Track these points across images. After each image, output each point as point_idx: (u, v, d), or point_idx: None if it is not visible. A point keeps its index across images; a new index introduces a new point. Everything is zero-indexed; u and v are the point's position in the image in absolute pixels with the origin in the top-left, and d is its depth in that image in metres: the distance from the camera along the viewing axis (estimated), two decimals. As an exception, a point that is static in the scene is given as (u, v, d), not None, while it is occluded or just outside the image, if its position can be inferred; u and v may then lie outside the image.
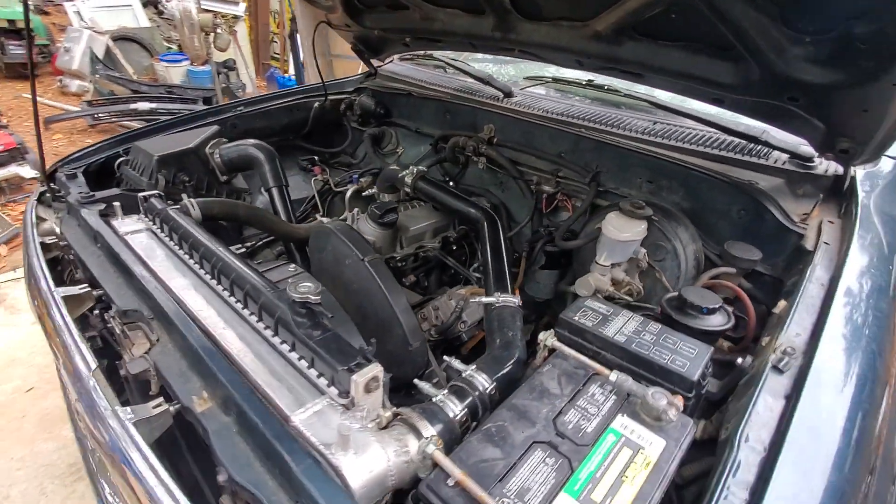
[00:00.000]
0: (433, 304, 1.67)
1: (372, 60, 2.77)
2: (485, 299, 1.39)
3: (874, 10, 0.94)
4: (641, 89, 1.98)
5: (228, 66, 7.94)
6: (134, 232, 1.57)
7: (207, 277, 1.32)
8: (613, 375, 0.97)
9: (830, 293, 1.13)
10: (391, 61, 2.94)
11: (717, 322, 1.27)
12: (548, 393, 0.97)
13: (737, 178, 1.58)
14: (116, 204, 1.61)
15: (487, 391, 1.10)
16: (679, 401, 0.91)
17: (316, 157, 2.68)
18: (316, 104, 2.66)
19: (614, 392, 0.97)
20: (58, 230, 1.66)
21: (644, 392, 0.92)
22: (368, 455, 0.88)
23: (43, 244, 1.55)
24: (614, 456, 0.84)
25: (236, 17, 8.90)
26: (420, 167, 1.87)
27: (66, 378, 1.64)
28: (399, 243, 1.89)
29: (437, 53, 2.65)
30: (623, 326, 1.22)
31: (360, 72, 3.00)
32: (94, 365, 1.06)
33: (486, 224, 1.62)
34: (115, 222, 1.58)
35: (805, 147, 1.62)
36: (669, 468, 0.83)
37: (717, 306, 1.26)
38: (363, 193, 2.41)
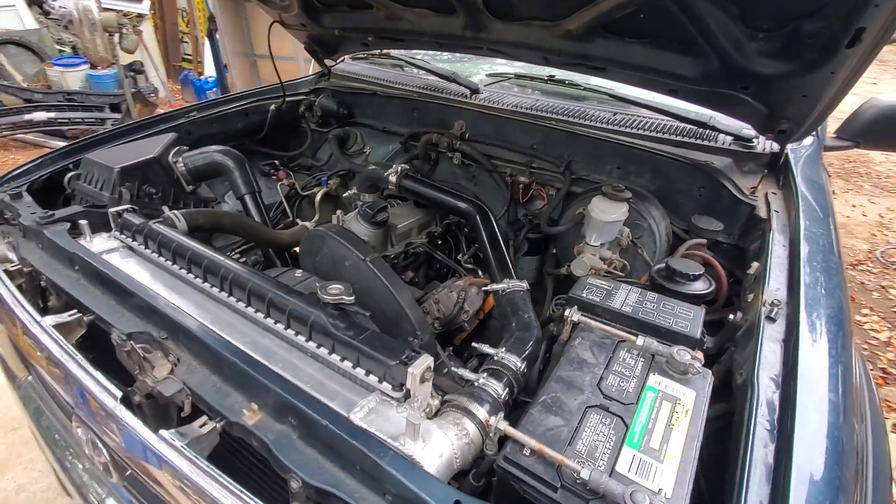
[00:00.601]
0: (434, 298, 1.71)
1: (325, 60, 2.72)
2: (495, 286, 1.45)
3: (820, 10, 1.13)
4: (599, 82, 2.14)
5: (136, 68, 7.32)
6: (109, 251, 1.46)
7: (215, 290, 1.27)
8: (640, 340, 1.08)
9: (794, 252, 1.32)
10: (342, 60, 2.90)
11: (700, 287, 1.43)
12: (585, 363, 1.06)
13: (696, 160, 1.77)
14: (84, 222, 1.48)
15: (520, 370, 1.17)
16: (700, 355, 1.03)
17: (276, 162, 2.59)
18: (272, 107, 2.57)
19: (641, 355, 1.08)
20: (12, 256, 1.50)
21: (669, 351, 1.04)
22: (434, 442, 0.92)
23: (7, 272, 1.39)
24: (658, 409, 0.95)
25: (141, 16, 8.20)
26: (403, 165, 1.89)
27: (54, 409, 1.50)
28: (389, 241, 1.90)
29: (395, 52, 2.66)
30: (626, 298, 1.34)
31: (311, 72, 2.93)
32: (119, 394, 1.00)
33: (478, 216, 1.68)
34: (83, 241, 1.46)
35: (746, 130, 1.86)
36: (703, 413, 0.95)
37: (700, 273, 1.43)
38: (332, 195, 2.38)
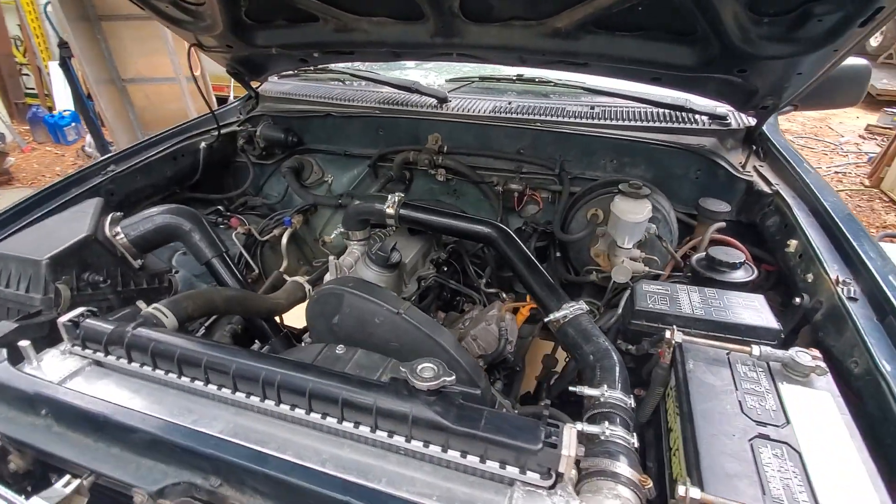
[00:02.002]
0: (471, 335, 1.55)
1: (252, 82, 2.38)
2: (556, 315, 1.34)
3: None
4: (571, 77, 2.09)
5: (-33, 114, 6.02)
6: (73, 375, 1.11)
7: (255, 400, 1.00)
8: (756, 349, 1.03)
9: (824, 223, 1.38)
10: (263, 81, 2.56)
11: (743, 275, 1.45)
12: (714, 389, 0.99)
13: (689, 144, 1.80)
14: (26, 344, 1.10)
15: (630, 406, 1.08)
16: (816, 352, 1.01)
17: (220, 208, 2.22)
18: (202, 144, 2.19)
19: (758, 364, 1.04)
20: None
21: (787, 355, 1.01)
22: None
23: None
24: (811, 422, 0.91)
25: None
26: (398, 194, 1.68)
27: None
28: (403, 281, 1.69)
29: (336, 66, 2.39)
30: (689, 300, 1.31)
31: (234, 96, 2.55)
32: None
33: (500, 238, 1.55)
34: (30, 369, 1.09)
35: (720, 108, 1.93)
36: (848, 412, 0.93)
37: (743, 261, 1.44)
38: (298, 234, 2.10)
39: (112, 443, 0.95)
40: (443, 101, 2.08)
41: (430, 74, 2.41)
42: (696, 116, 1.93)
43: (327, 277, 1.70)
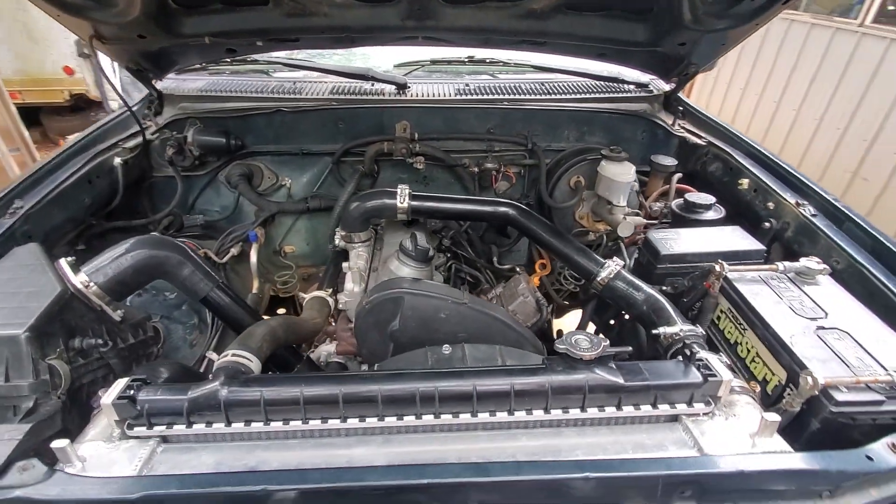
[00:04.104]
0: (510, 310, 1.60)
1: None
2: (601, 275, 1.45)
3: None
4: (516, 55, 2.20)
5: None
6: (149, 461, 0.89)
7: (410, 420, 0.93)
8: (781, 266, 1.30)
9: (763, 163, 1.75)
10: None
11: (714, 214, 1.76)
12: (767, 302, 1.23)
13: (635, 111, 2.07)
14: (63, 444, 0.83)
15: (702, 335, 1.26)
16: (818, 259, 1.32)
17: (156, 234, 1.84)
18: (117, 160, 1.78)
19: (783, 277, 1.31)
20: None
21: (801, 265, 1.30)
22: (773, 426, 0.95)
23: None
24: (840, 309, 1.20)
25: None
26: (403, 186, 1.60)
27: None
28: (431, 272, 1.63)
29: (260, 56, 2.11)
30: (691, 238, 1.56)
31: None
32: None
33: (519, 214, 1.60)
34: (86, 474, 0.85)
35: (641, 77, 2.24)
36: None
37: (713, 202, 1.74)
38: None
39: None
40: (402, 87, 2.02)
41: (369, 60, 2.29)
42: (626, 86, 2.21)
43: (349, 287, 1.57)
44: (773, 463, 0.83)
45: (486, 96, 2.03)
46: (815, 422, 1.01)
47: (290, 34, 1.76)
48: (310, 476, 0.80)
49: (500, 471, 0.81)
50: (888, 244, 1.32)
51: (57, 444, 0.83)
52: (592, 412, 0.95)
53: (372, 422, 0.93)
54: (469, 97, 2.01)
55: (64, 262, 1.20)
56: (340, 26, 1.72)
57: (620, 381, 0.95)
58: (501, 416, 0.95)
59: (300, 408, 0.92)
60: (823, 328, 1.14)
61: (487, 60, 2.23)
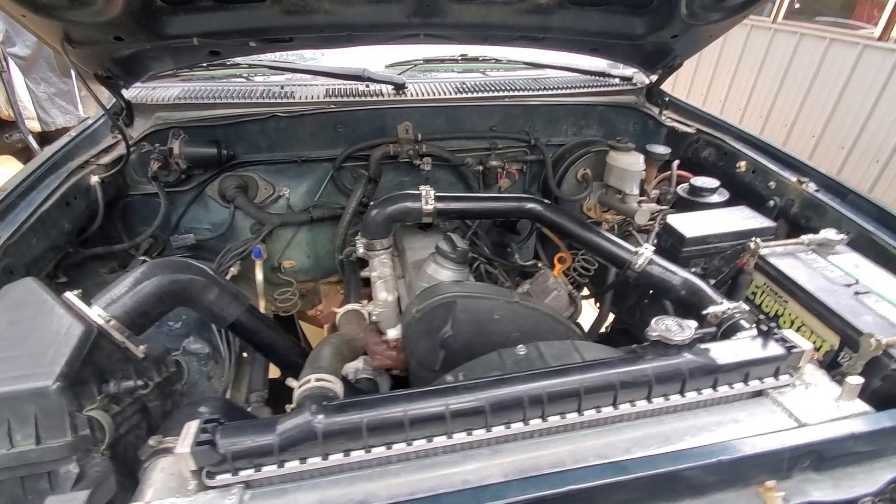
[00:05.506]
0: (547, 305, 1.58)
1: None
2: (640, 261, 1.46)
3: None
4: (505, 52, 2.21)
5: None
6: None
7: (518, 426, 0.89)
8: (805, 238, 1.38)
9: (754, 146, 1.86)
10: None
11: (718, 197, 1.84)
12: (803, 274, 1.30)
13: (627, 102, 2.14)
14: None
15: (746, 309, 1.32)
16: (836, 230, 1.41)
17: (146, 259, 1.65)
18: (94, 179, 1.58)
19: (808, 249, 1.39)
20: None
21: (822, 236, 1.39)
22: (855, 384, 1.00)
23: None
24: (864, 274, 1.29)
25: None
26: (426, 188, 1.53)
27: None
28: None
29: (242, 59, 1.95)
30: (711, 220, 1.63)
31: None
32: None
33: (545, 207, 1.59)
34: None
35: (626, 71, 2.32)
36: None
37: (717, 185, 1.83)
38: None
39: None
40: (400, 87, 1.95)
41: (361, 60, 2.19)
42: (613, 80, 2.28)
43: (381, 297, 1.48)
44: (874, 423, 0.87)
45: (484, 94, 2.01)
46: (875, 381, 1.08)
47: (287, 33, 1.65)
48: (447, 502, 0.73)
49: (639, 466, 0.78)
50: (892, 212, 1.44)
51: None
52: (691, 396, 0.96)
53: (480, 434, 0.87)
54: (469, 95, 1.98)
55: (73, 296, 1.03)
56: (341, 24, 1.63)
57: (716, 361, 0.95)
58: (607, 410, 0.93)
59: (404, 429, 0.84)
60: (859, 293, 1.23)
61: (480, 58, 2.22)
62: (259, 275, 1.74)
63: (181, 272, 1.17)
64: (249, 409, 1.39)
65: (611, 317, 2.02)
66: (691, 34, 1.87)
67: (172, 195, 1.83)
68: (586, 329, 1.92)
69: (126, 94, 1.81)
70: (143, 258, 1.67)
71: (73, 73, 1.86)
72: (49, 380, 0.83)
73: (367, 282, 1.71)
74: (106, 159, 1.66)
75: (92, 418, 0.86)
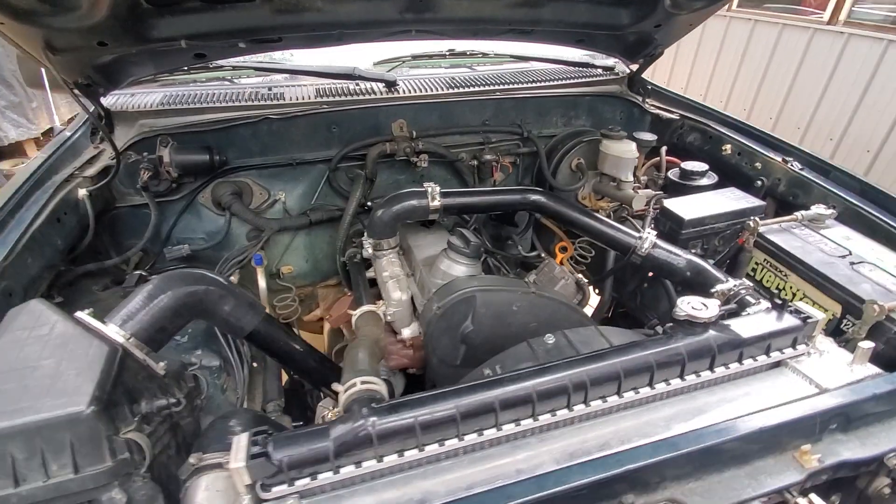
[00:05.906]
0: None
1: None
2: (645, 245, 1.50)
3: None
4: (492, 46, 2.21)
5: None
6: None
7: (563, 413, 0.90)
8: (798, 214, 1.46)
9: (738, 129, 1.94)
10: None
11: (707, 181, 1.91)
12: (800, 248, 1.37)
13: (613, 92, 2.18)
14: None
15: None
16: (825, 205, 1.49)
17: (144, 273, 1.59)
18: (82, 192, 1.50)
19: (802, 225, 1.47)
20: None
21: (813, 212, 1.46)
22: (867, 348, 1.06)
23: None
24: (856, 245, 1.37)
25: None
26: (432, 185, 1.53)
27: None
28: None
29: (225, 61, 1.89)
30: (707, 202, 1.69)
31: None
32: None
33: (548, 198, 1.60)
34: None
35: (608, 61, 2.37)
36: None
37: (706, 169, 1.89)
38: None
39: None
40: (392, 84, 1.93)
41: (350, 59, 2.15)
42: (596, 70, 2.33)
43: (395, 296, 1.47)
44: (893, 383, 0.93)
45: (475, 88, 2.01)
46: (879, 344, 1.15)
47: (277, 33, 1.60)
48: (513, 492, 0.74)
49: (688, 442, 0.82)
50: (874, 185, 1.53)
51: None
52: (720, 371, 1.00)
53: (527, 423, 0.89)
54: (460, 90, 1.98)
55: (86, 316, 0.99)
56: (333, 22, 1.60)
57: (741, 335, 1.00)
58: (644, 391, 0.95)
59: (456, 424, 0.84)
60: (854, 263, 1.30)
61: (468, 53, 2.22)
62: (262, 282, 1.69)
63: (195, 284, 1.13)
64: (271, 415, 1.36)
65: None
66: (672, 23, 1.93)
67: (162, 205, 1.76)
68: (590, 315, 1.96)
69: (104, 101, 1.73)
70: (138, 273, 1.60)
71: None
72: (82, 404, 0.79)
73: (371, 282, 1.70)
74: (91, 171, 1.58)
75: (130, 441, 0.83)
